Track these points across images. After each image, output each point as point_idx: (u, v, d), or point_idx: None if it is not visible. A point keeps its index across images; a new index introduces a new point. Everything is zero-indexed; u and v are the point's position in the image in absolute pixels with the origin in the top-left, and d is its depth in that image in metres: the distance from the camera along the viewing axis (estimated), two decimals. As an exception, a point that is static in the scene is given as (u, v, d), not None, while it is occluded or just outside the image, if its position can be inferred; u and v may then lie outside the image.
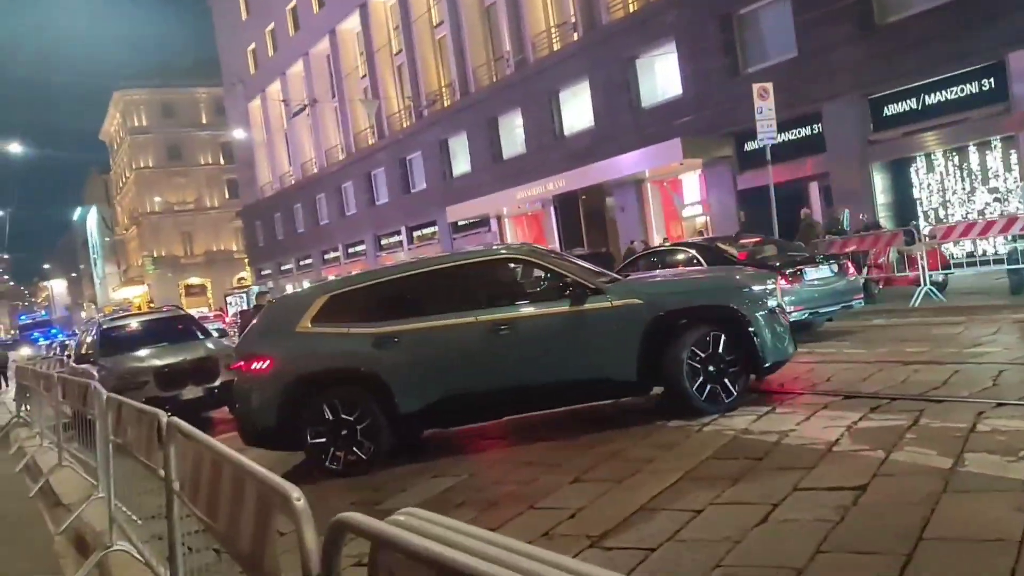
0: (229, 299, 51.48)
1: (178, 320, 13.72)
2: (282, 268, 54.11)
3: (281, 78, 48.77)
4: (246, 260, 64.66)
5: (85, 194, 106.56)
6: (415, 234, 38.71)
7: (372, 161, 41.08)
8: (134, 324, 13.58)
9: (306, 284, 50.77)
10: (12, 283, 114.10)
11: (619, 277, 7.88)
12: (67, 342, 42.81)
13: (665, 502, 4.70)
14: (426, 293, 7.17)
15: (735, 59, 21.89)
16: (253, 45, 53.07)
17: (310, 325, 7.06)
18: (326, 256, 47.89)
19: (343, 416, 6.74)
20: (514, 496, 5.40)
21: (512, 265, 7.55)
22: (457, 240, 35.34)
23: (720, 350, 6.79)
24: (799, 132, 20.42)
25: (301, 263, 51.10)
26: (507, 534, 1.72)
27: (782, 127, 20.62)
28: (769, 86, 13.58)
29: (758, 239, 12.80)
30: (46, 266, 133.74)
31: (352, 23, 41.22)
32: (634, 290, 7.08)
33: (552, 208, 29.07)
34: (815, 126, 20.03)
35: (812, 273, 11.37)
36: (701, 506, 4.50)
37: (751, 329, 6.85)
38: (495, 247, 8.05)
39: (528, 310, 7.00)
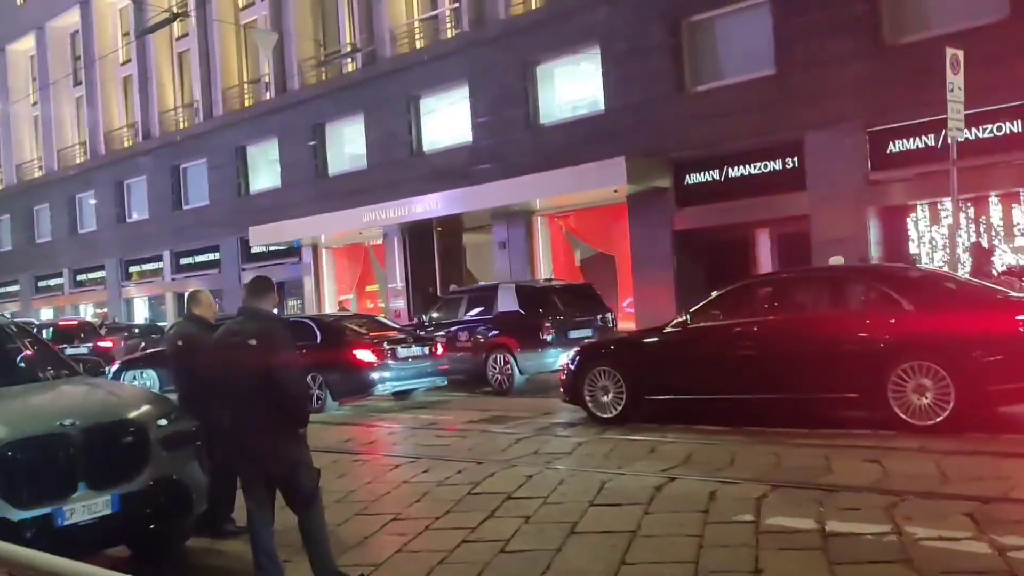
0: None
1: (18, 339, 6.30)
2: (-32, 297, 42.06)
3: (-1, 54, 38.34)
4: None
5: None
6: (183, 261, 30.81)
7: (129, 167, 32.53)
8: None
9: (7, 315, 39.55)
10: None
11: None
12: None
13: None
14: None
15: (681, 72, 18.28)
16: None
17: None
18: (41, 283, 37.65)
19: None
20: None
21: None
22: (248, 271, 28.22)
23: None
24: (767, 166, 17.12)
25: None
26: None
27: (748, 158, 17.38)
28: (960, 54, 9.70)
29: None
30: None
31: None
32: None
33: (398, 239, 23.49)
34: (791, 160, 16.81)
35: None
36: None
37: None
38: None
39: None
